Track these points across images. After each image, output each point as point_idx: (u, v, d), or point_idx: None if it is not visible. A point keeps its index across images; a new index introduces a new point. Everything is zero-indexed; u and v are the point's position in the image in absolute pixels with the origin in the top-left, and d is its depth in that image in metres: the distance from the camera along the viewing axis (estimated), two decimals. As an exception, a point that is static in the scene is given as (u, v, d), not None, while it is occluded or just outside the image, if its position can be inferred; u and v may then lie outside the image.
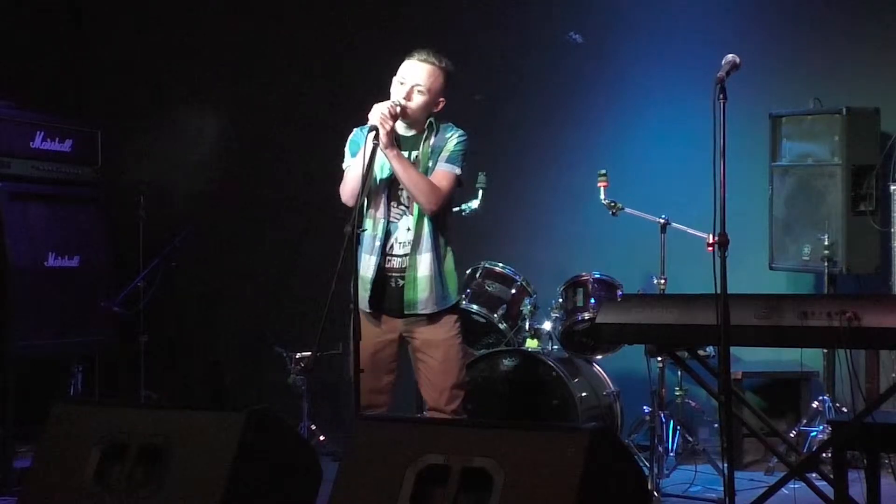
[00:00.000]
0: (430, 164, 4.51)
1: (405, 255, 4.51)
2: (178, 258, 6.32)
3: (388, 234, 4.52)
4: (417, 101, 4.48)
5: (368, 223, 4.53)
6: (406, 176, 4.43)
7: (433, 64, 4.50)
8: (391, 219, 4.53)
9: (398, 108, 4.41)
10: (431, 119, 4.55)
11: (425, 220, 4.51)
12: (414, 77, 4.49)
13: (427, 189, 4.45)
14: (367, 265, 4.52)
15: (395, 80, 4.52)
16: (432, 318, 4.55)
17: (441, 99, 4.54)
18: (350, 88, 6.72)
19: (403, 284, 4.50)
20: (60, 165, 5.86)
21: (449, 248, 4.60)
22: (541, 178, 6.96)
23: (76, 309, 5.84)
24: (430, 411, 4.58)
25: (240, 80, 7.29)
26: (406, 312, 4.52)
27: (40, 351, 5.68)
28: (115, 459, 3.51)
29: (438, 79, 4.51)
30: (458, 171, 4.52)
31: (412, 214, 4.52)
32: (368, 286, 4.51)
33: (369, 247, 4.53)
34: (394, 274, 4.53)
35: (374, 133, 4.31)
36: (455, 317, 4.62)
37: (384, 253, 4.52)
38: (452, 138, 4.53)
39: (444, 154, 4.51)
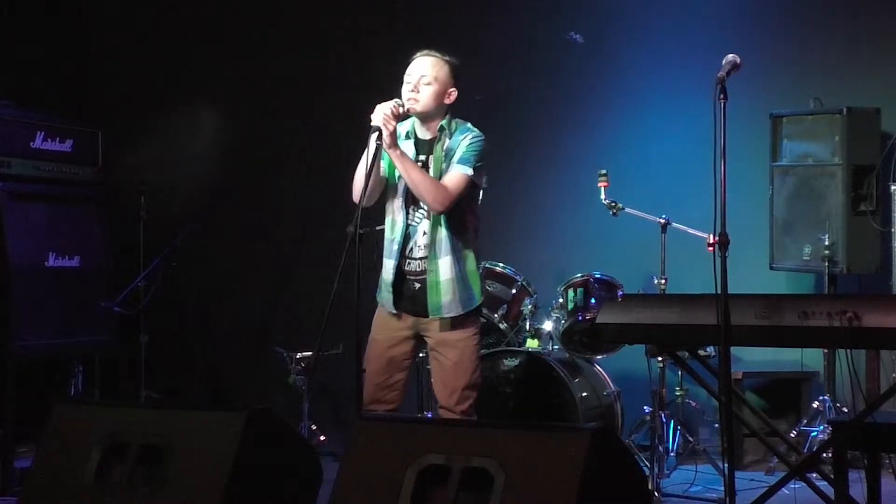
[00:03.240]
0: (444, 166, 4.49)
1: (423, 258, 4.50)
2: (178, 258, 6.32)
3: (407, 238, 4.51)
4: (426, 92, 4.47)
5: (388, 225, 4.55)
6: (409, 176, 4.41)
7: (435, 56, 4.53)
8: (410, 222, 4.52)
9: (401, 108, 4.40)
10: (444, 122, 4.53)
11: (441, 223, 4.49)
12: (418, 71, 4.49)
13: (432, 189, 4.41)
14: (388, 269, 4.54)
15: (403, 85, 4.52)
16: (455, 321, 4.53)
17: (451, 89, 4.52)
18: (350, 89, 6.73)
19: (425, 288, 4.49)
20: (60, 165, 5.86)
21: (469, 250, 4.56)
22: (541, 178, 6.95)
23: (76, 309, 5.84)
24: (441, 410, 4.58)
25: (240, 80, 7.29)
26: (431, 316, 4.51)
27: (40, 351, 5.68)
28: (115, 459, 3.51)
29: (443, 68, 4.51)
30: (469, 171, 4.45)
31: (430, 218, 4.50)
32: (391, 289, 4.53)
33: (388, 250, 4.55)
34: (414, 277, 4.52)
35: (377, 133, 4.31)
36: (474, 318, 4.60)
37: (403, 255, 4.52)
38: (466, 139, 4.49)
39: (457, 155, 4.47)
